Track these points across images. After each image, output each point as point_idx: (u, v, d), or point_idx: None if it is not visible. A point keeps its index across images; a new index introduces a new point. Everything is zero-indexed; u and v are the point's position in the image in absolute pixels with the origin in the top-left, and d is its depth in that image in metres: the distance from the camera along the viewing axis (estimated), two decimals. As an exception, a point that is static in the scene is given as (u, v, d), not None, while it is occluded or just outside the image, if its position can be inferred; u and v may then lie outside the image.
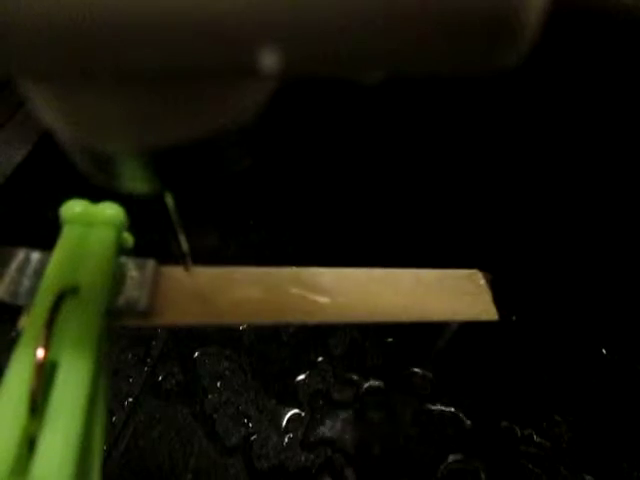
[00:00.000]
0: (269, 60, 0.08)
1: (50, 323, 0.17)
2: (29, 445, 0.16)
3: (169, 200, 0.17)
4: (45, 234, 0.22)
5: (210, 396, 0.42)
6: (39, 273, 0.20)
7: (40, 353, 0.16)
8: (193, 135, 0.12)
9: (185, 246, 0.20)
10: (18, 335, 0.18)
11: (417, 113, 0.53)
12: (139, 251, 0.24)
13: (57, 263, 0.20)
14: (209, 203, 0.50)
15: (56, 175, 0.31)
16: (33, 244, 0.22)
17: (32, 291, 0.20)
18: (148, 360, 0.44)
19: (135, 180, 0.13)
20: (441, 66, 0.09)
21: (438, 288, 0.25)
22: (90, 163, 0.13)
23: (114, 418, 0.40)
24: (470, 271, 0.26)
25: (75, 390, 0.17)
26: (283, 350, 0.45)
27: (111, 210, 0.22)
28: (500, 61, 0.09)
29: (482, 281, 0.26)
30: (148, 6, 0.08)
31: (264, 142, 0.14)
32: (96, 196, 0.22)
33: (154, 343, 0.44)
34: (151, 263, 0.22)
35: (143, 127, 0.11)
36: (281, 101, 0.14)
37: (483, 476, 0.39)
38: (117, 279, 0.21)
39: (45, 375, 0.17)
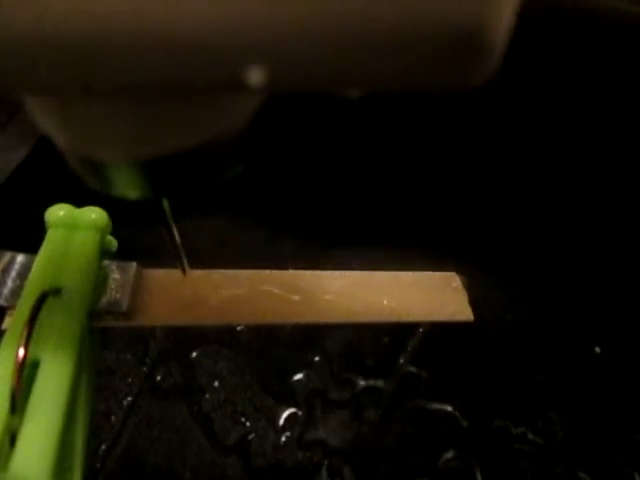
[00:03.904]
0: (254, 78, 0.09)
1: (32, 323, 0.17)
2: (10, 441, 0.17)
3: (165, 203, 0.17)
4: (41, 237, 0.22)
5: (208, 395, 0.43)
6: (23, 275, 0.21)
7: (20, 352, 0.17)
8: (185, 144, 0.12)
9: (181, 249, 0.20)
10: (1, 335, 0.19)
11: (399, 119, 0.53)
12: (135, 252, 0.24)
13: (41, 265, 0.20)
14: (207, 202, 0.51)
15: (56, 177, 0.32)
16: (31, 247, 0.22)
17: (16, 292, 0.20)
18: (146, 360, 0.44)
19: (129, 186, 0.13)
20: (414, 84, 0.10)
21: (415, 290, 0.26)
22: (85, 169, 0.13)
23: (113, 418, 0.41)
24: (447, 274, 0.27)
25: (55, 388, 0.17)
26: (280, 350, 0.45)
27: (95, 214, 0.22)
28: (470, 79, 0.10)
29: (458, 283, 0.27)
30: (144, 29, 0.08)
31: (255, 150, 0.15)
32: (91, 200, 0.22)
33: (152, 343, 0.45)
34: (133, 266, 0.23)
35: (136, 137, 0.12)
36: (273, 108, 0.14)
37: (478, 474, 0.39)
38: (100, 281, 0.21)
39: (26, 373, 0.17)
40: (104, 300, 0.21)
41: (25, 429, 0.16)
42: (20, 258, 0.22)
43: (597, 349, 0.45)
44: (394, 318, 0.24)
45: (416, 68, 0.09)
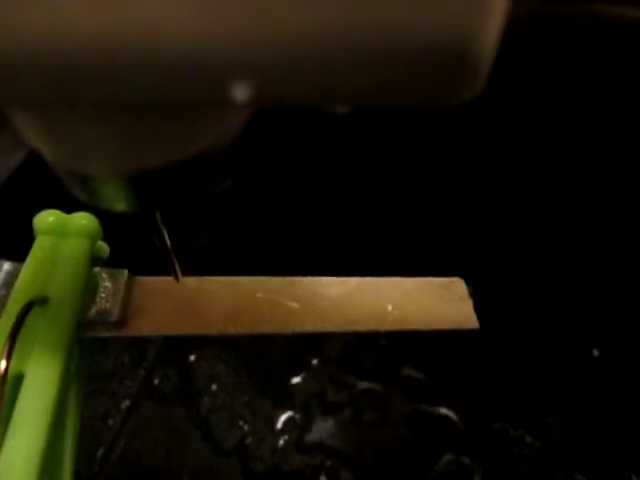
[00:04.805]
0: (240, 94, 0.09)
1: (15, 334, 0.17)
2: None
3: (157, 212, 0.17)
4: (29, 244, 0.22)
5: (206, 399, 0.42)
6: (10, 283, 0.20)
7: (2, 365, 0.16)
8: (173, 159, 0.12)
9: (173, 255, 0.20)
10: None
11: (398, 127, 0.53)
12: (127, 259, 0.24)
13: (28, 274, 0.20)
14: (202, 210, 0.51)
15: (47, 183, 0.32)
16: (19, 254, 0.22)
17: (1, 302, 0.20)
18: (144, 363, 0.44)
19: (117, 199, 0.13)
20: (400, 101, 0.10)
21: (418, 296, 0.25)
22: (73, 182, 0.13)
23: (110, 421, 0.41)
24: (451, 279, 0.26)
25: (39, 402, 0.17)
26: (278, 353, 0.45)
27: (85, 220, 0.22)
28: (455, 97, 0.10)
29: (463, 289, 0.25)
30: (128, 46, 0.08)
31: (245, 163, 0.14)
32: (85, 206, 0.22)
33: (150, 346, 0.45)
34: (124, 273, 0.22)
35: (123, 151, 0.12)
36: (262, 122, 0.14)
37: (476, 477, 0.39)
38: (90, 290, 0.21)
39: (9, 388, 0.17)
40: (94, 309, 0.21)
41: (6, 448, 0.16)
42: (6, 266, 0.21)
43: (595, 351, 0.45)
44: (397, 326, 0.23)
45: (401, 86, 0.09)
